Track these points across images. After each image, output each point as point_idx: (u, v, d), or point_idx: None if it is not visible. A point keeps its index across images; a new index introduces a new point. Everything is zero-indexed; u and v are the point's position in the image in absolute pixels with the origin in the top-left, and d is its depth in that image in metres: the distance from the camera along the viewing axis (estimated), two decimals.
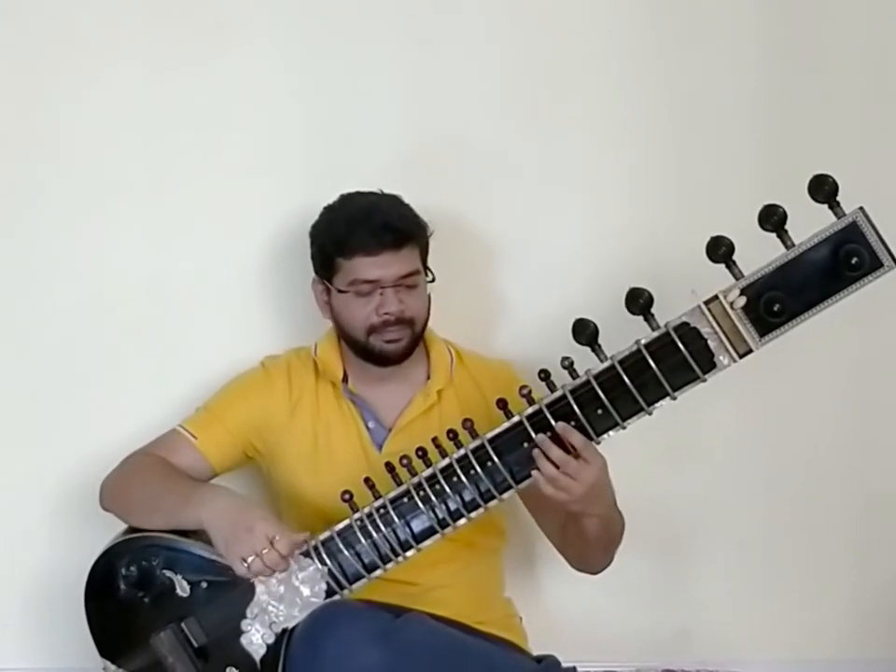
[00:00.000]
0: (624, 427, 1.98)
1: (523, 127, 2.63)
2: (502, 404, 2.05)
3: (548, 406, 2.00)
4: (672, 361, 1.92)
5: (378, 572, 2.12)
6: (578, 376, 1.99)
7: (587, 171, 2.64)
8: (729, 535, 2.73)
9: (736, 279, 1.87)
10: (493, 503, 2.08)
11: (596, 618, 2.69)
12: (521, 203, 2.64)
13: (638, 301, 1.92)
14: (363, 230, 2.27)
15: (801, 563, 2.74)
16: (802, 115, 2.64)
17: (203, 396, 2.45)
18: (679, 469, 2.69)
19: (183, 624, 2.19)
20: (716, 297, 1.89)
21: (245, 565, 2.07)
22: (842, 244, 1.82)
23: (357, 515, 2.11)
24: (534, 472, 2.02)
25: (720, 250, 1.86)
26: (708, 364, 1.91)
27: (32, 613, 2.66)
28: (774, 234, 1.84)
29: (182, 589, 2.19)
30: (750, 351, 1.90)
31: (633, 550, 2.68)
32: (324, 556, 2.12)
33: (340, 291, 2.31)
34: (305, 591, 2.13)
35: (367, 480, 2.11)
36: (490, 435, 2.05)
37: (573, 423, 1.99)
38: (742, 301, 1.87)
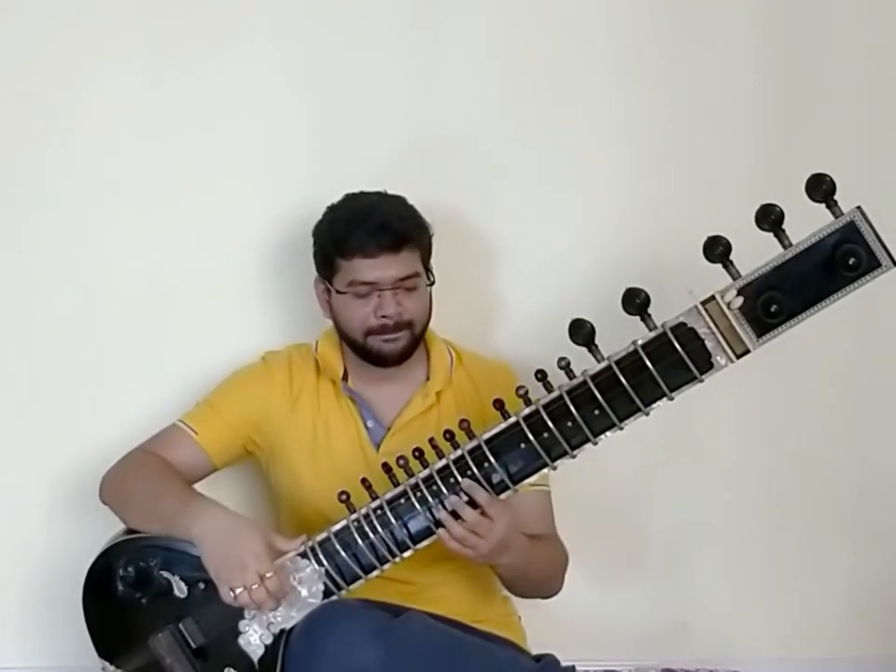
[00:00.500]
0: (621, 428, 1.97)
1: (522, 127, 2.63)
2: (499, 405, 2.05)
3: (544, 407, 2.00)
4: (669, 362, 1.92)
5: (375, 573, 2.12)
6: (574, 377, 1.98)
7: (586, 171, 2.64)
8: (726, 534, 2.73)
9: (734, 279, 1.87)
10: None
11: (595, 616, 2.69)
12: (520, 203, 2.64)
13: (635, 302, 1.91)
14: (362, 230, 2.27)
15: (798, 561, 2.74)
16: (800, 114, 2.64)
17: (203, 391, 2.45)
18: (676, 467, 2.69)
19: (181, 625, 2.19)
20: (713, 297, 1.88)
21: (233, 595, 2.07)
22: (840, 243, 1.81)
23: (354, 516, 2.11)
24: (439, 531, 2.05)
25: (716, 250, 1.86)
26: (706, 365, 1.91)
27: (30, 611, 2.66)
28: (771, 234, 1.84)
29: (180, 590, 2.19)
30: (748, 351, 1.89)
31: (630, 549, 2.71)
32: (321, 557, 2.12)
33: (338, 292, 2.31)
34: (303, 591, 2.13)
35: (364, 480, 2.11)
36: (487, 435, 2.05)
37: (570, 423, 1.99)
38: (739, 301, 1.86)
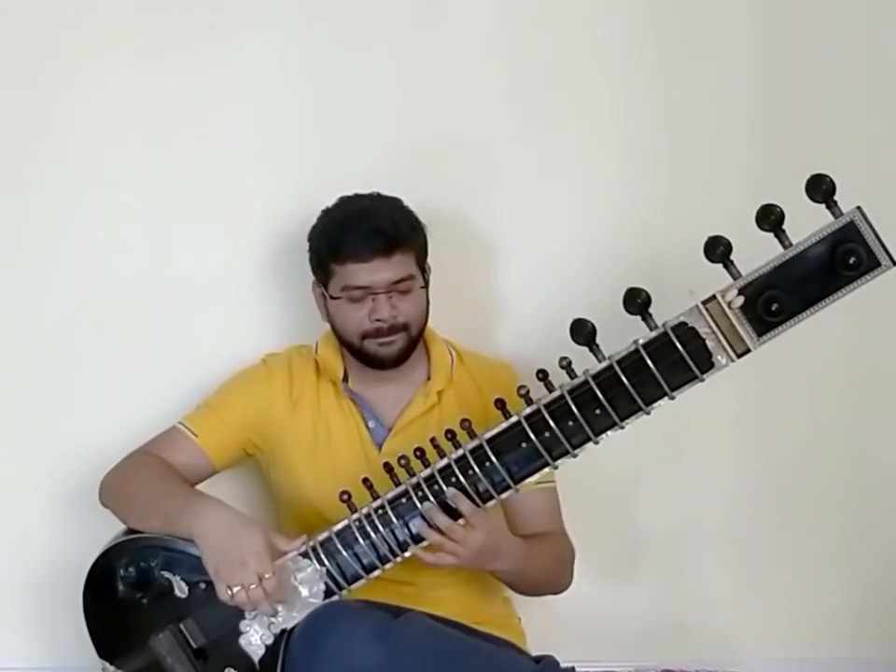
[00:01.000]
0: (623, 427, 1.98)
1: (522, 126, 2.63)
2: (500, 404, 2.05)
3: (546, 406, 2.00)
4: (670, 361, 1.92)
5: (377, 572, 2.12)
6: (576, 376, 1.99)
7: (586, 170, 2.64)
8: (726, 534, 2.73)
9: (734, 279, 1.87)
10: (491, 503, 2.08)
11: (595, 617, 2.69)
12: (519, 203, 2.64)
13: (636, 301, 1.91)
14: (354, 235, 2.27)
15: (798, 561, 2.74)
16: (799, 114, 2.64)
17: (203, 393, 2.45)
18: (675, 467, 2.69)
19: (182, 625, 2.19)
20: (714, 297, 1.89)
21: (230, 594, 2.07)
22: (840, 243, 1.82)
23: (355, 516, 2.11)
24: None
25: (717, 250, 1.86)
26: (707, 364, 1.91)
27: (30, 611, 2.66)
28: (771, 234, 1.84)
29: (180, 590, 2.19)
30: (748, 351, 1.90)
31: (630, 548, 2.71)
32: (322, 557, 2.12)
33: (333, 297, 2.32)
34: (304, 591, 2.13)
35: (365, 480, 2.11)
36: (488, 435, 2.05)
37: (571, 422, 1.99)
38: (740, 300, 1.87)
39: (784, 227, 1.83)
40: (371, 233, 2.26)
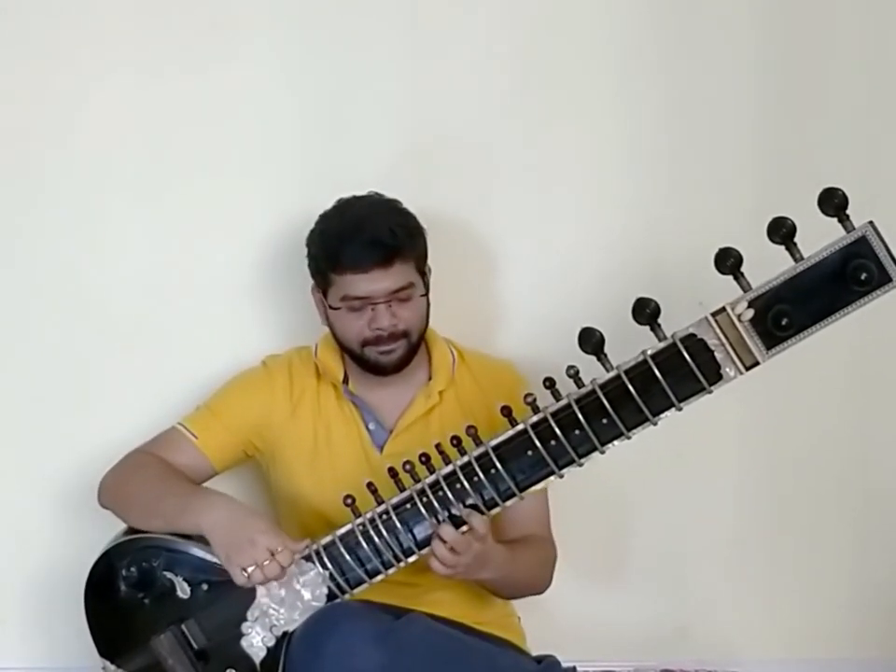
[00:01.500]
0: (629, 438, 1.97)
1: (523, 127, 2.61)
2: (507, 411, 2.04)
3: (553, 415, 2.00)
4: (678, 373, 1.91)
5: (380, 577, 2.12)
6: (583, 385, 1.98)
7: (586, 171, 2.63)
8: (727, 536, 2.73)
9: (744, 291, 1.86)
10: (496, 510, 2.08)
11: (595, 617, 2.70)
12: (521, 205, 2.63)
13: (645, 311, 1.90)
14: (352, 246, 2.24)
15: (799, 562, 2.75)
16: (800, 113, 2.63)
17: (203, 394, 2.44)
18: (678, 470, 2.69)
19: (183, 626, 2.19)
20: (723, 309, 1.88)
21: (246, 574, 2.07)
22: (851, 258, 1.81)
23: (359, 520, 2.11)
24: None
25: (728, 262, 1.85)
26: (715, 376, 1.91)
27: (31, 611, 2.66)
28: (782, 246, 1.83)
29: (182, 591, 2.19)
30: (757, 363, 1.89)
31: (631, 549, 2.71)
32: (325, 560, 2.12)
33: (332, 308, 2.30)
34: (306, 595, 2.13)
35: (370, 485, 2.10)
36: (494, 442, 2.04)
37: (578, 431, 1.98)
38: (750, 313, 1.86)
39: (795, 240, 1.82)
40: (368, 244, 2.24)
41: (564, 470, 2.02)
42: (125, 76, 2.54)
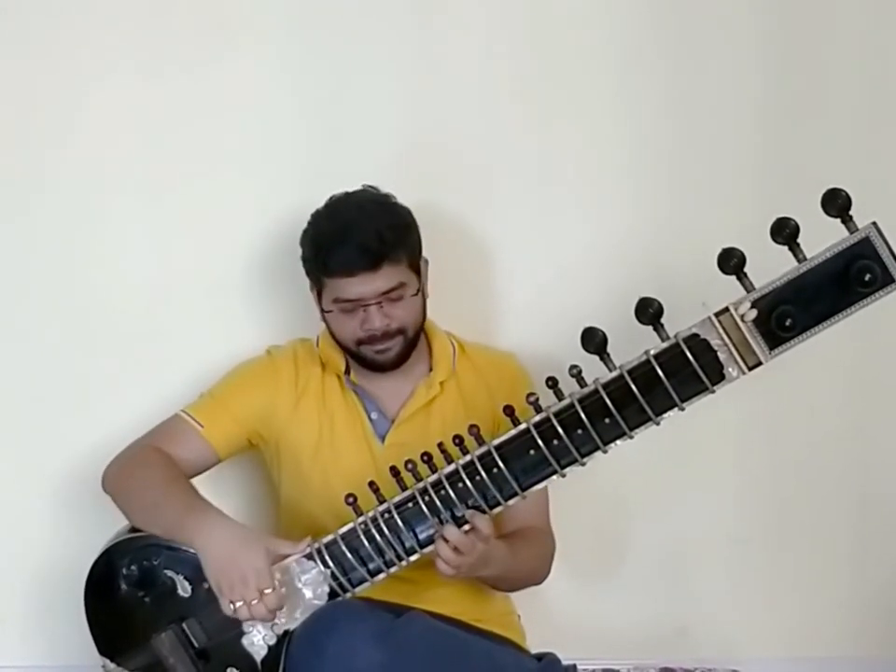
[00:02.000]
0: (632, 437, 1.97)
1: (523, 127, 2.62)
2: (509, 411, 2.04)
3: (555, 415, 1.99)
4: (681, 373, 1.91)
5: (381, 576, 2.12)
6: (586, 385, 1.98)
7: (587, 170, 2.63)
8: (728, 536, 2.74)
9: (747, 291, 1.86)
10: (498, 510, 2.07)
11: (595, 615, 2.70)
12: (522, 205, 2.63)
13: (648, 311, 1.90)
14: (340, 252, 2.25)
15: (799, 561, 2.75)
16: (801, 112, 2.63)
17: (203, 389, 2.44)
18: (679, 470, 2.70)
19: (184, 625, 2.18)
20: (727, 309, 1.87)
21: (232, 608, 2.07)
22: (854, 259, 1.80)
23: (361, 519, 2.10)
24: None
25: (731, 262, 1.84)
26: (718, 376, 1.90)
27: (31, 609, 2.65)
28: (785, 247, 1.83)
29: (183, 589, 2.19)
30: (760, 364, 1.89)
31: (631, 548, 2.71)
32: (327, 559, 2.11)
33: (325, 311, 2.32)
34: (308, 593, 2.13)
35: (371, 484, 2.10)
36: (496, 442, 2.04)
37: (580, 431, 1.98)
38: (753, 313, 1.86)
39: (798, 240, 1.82)
40: (355, 250, 2.24)
41: (566, 470, 2.02)
42: (125, 76, 2.54)
